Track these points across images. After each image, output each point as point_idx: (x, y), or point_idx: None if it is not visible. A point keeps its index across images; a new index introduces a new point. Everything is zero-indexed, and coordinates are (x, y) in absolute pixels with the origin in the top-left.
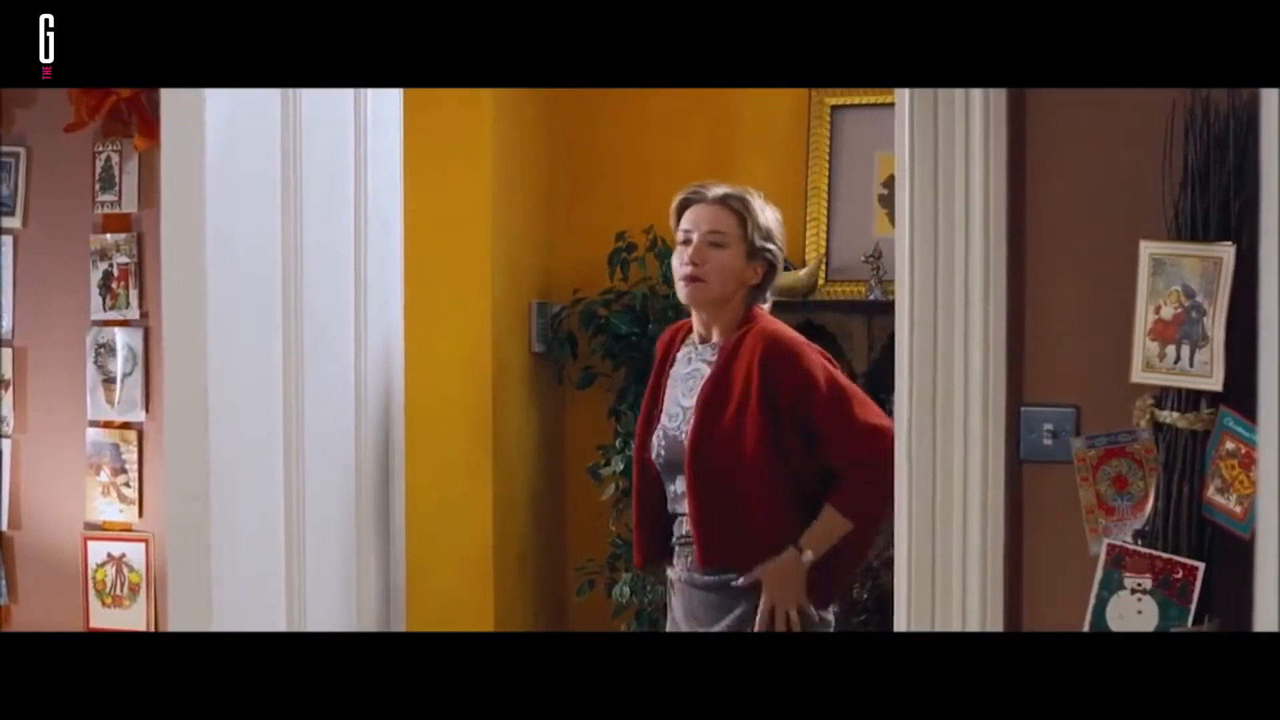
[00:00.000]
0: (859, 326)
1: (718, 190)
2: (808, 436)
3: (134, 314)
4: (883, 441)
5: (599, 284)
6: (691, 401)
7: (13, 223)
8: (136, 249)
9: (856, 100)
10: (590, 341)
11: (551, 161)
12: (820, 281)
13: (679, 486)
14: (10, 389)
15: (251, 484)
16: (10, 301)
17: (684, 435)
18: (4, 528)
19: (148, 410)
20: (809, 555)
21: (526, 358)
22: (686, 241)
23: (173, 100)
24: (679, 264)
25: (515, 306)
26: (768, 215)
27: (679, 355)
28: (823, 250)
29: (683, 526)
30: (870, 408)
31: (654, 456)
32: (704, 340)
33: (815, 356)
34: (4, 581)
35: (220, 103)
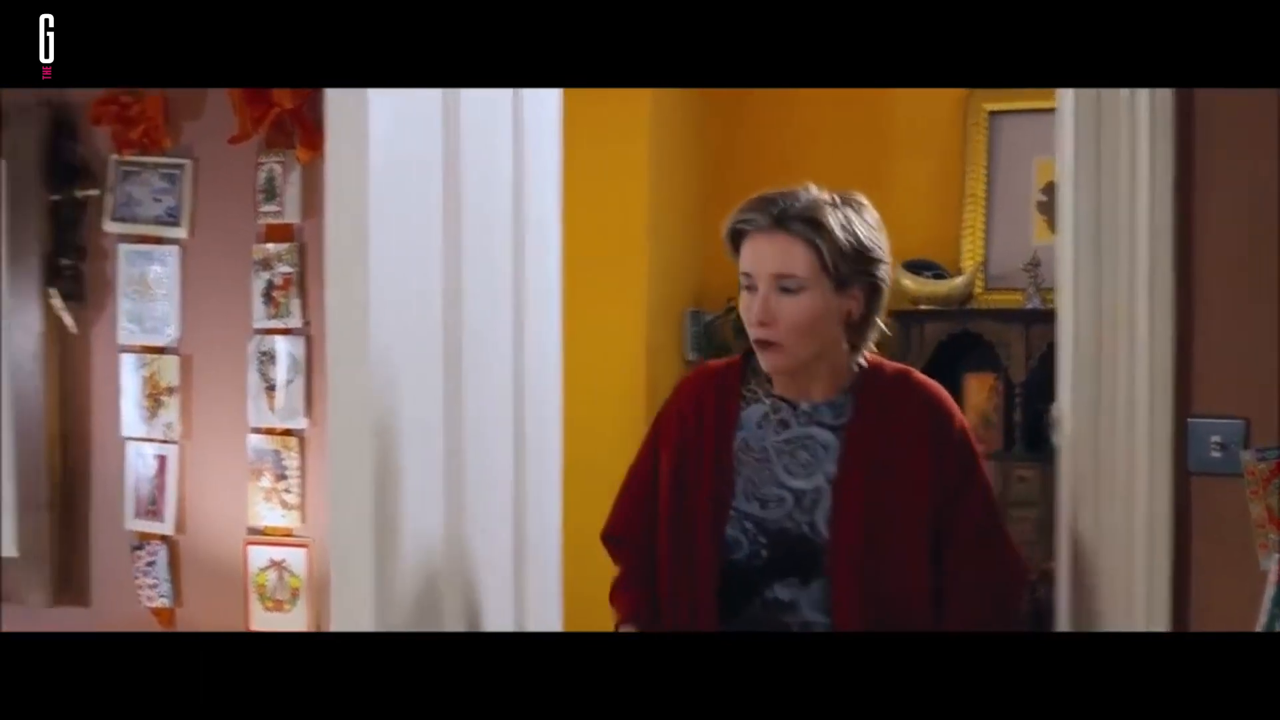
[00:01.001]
0: (1017, 335)
1: (777, 208)
2: (938, 539)
3: (296, 322)
4: (1023, 571)
5: None
6: (815, 481)
7: (180, 233)
8: (299, 259)
9: (1014, 105)
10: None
11: (706, 167)
12: (978, 289)
13: (782, 593)
14: (177, 396)
15: (413, 492)
16: (178, 310)
17: (807, 525)
18: (171, 532)
19: (310, 418)
20: None
21: (680, 366)
22: (750, 288)
23: (338, 101)
24: (747, 319)
25: (669, 315)
26: (856, 222)
27: (748, 415)
28: (980, 258)
29: None
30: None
31: (739, 556)
32: (820, 398)
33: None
34: (170, 584)
35: (384, 104)
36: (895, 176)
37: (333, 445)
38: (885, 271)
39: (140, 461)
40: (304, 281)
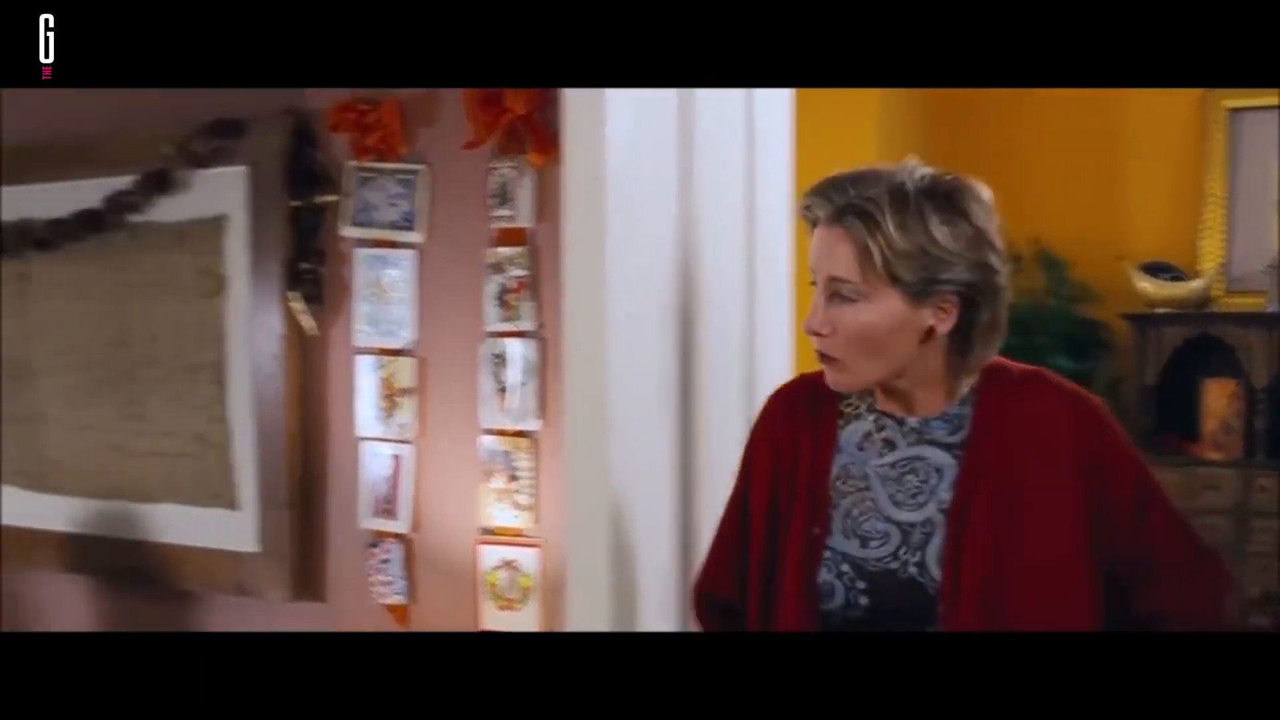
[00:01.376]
0: (1259, 339)
1: (843, 195)
2: (1117, 570)
3: (529, 325)
4: (1224, 577)
5: None
6: (927, 512)
7: (415, 237)
8: (531, 262)
9: (1256, 102)
10: None
11: (932, 163)
12: (1217, 292)
13: None
14: (412, 397)
15: (648, 493)
16: (413, 313)
17: (916, 566)
18: (405, 530)
19: (542, 419)
20: None
21: None
22: (815, 284)
23: (576, 101)
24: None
25: None
26: (933, 219)
27: (848, 435)
28: (1220, 259)
29: None
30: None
31: (833, 605)
32: (926, 412)
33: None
34: (405, 581)
35: (621, 103)
36: (1128, 177)
37: (570, 449)
38: (989, 280)
39: (376, 461)
40: (537, 285)
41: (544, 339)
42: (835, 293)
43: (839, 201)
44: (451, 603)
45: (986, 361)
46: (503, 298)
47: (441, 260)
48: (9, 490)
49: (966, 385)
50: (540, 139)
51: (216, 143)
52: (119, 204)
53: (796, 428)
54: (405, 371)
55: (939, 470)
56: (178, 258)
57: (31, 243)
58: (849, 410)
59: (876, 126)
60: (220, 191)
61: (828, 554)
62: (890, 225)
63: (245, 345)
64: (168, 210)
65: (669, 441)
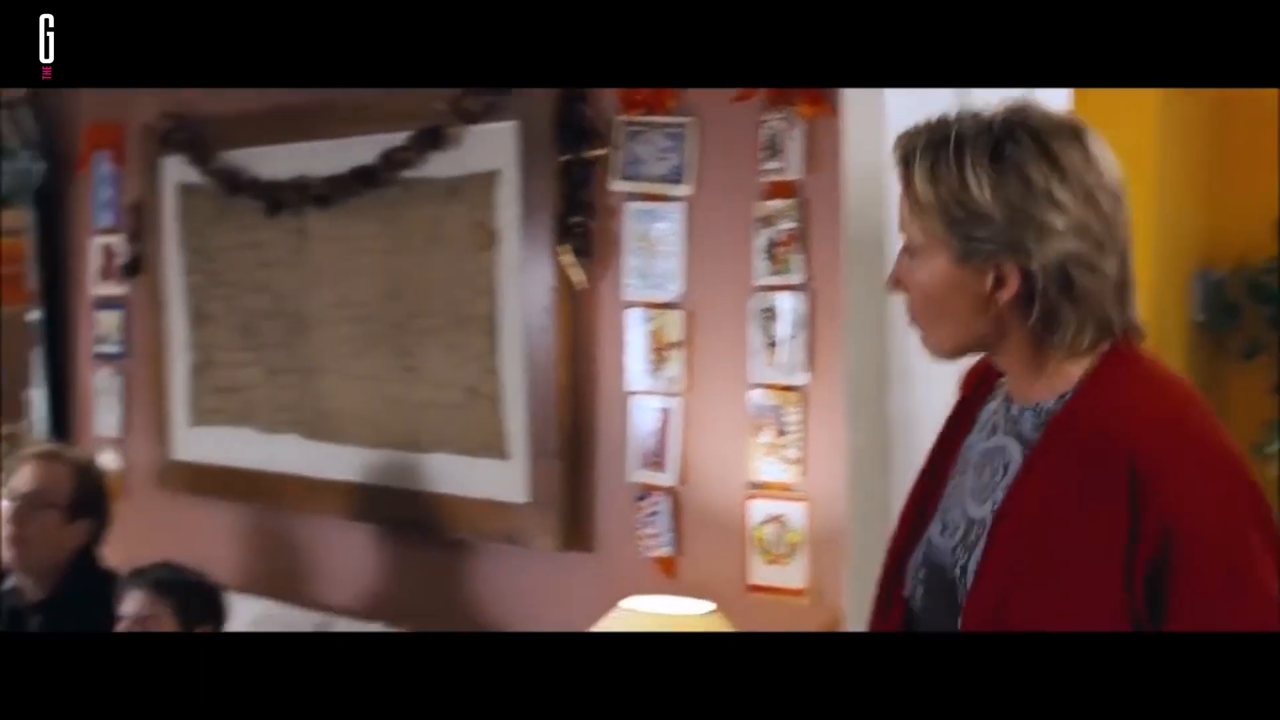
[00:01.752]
0: None
1: (909, 142)
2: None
3: (798, 279)
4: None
5: (1266, 250)
6: (985, 510)
7: (684, 190)
8: (801, 215)
9: None
10: (1256, 311)
11: (1218, 121)
12: None
13: None
14: (680, 350)
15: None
16: (681, 266)
17: (961, 568)
18: (673, 483)
19: (811, 373)
20: None
21: (1187, 328)
22: None
23: (855, 101)
24: None
25: (1176, 274)
26: (975, 167)
27: (983, 414)
28: None
29: None
30: None
31: (906, 591)
32: (1025, 399)
33: (1224, 477)
34: (672, 534)
35: (899, 107)
36: None
37: (847, 401)
38: (1048, 246)
39: (644, 414)
40: (806, 238)
41: (813, 292)
42: (905, 247)
43: (906, 147)
44: (719, 556)
45: (1084, 346)
46: (771, 251)
47: (710, 213)
48: (289, 439)
49: (1077, 372)
50: (810, 91)
51: (488, 99)
52: (393, 160)
53: (961, 401)
54: (674, 325)
55: (1007, 467)
56: (450, 212)
57: (310, 199)
58: (1000, 387)
59: (1158, 125)
60: (492, 147)
61: (925, 534)
62: (917, 172)
63: (516, 298)
64: (440, 166)
65: (945, 397)
